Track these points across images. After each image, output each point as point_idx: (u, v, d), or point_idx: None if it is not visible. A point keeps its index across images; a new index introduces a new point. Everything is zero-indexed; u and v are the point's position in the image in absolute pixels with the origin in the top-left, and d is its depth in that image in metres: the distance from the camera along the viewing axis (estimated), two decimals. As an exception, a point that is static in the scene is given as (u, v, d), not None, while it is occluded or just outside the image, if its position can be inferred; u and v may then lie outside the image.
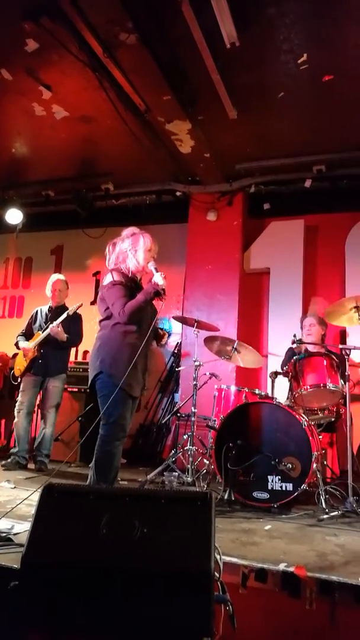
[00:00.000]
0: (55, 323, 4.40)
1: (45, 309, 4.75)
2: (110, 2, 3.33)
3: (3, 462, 4.34)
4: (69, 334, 4.50)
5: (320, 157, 5.26)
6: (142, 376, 3.04)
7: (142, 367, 3.01)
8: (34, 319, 4.74)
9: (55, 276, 4.82)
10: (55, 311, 4.64)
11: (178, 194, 6.07)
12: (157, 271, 3.02)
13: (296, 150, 5.22)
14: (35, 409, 4.68)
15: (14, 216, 6.26)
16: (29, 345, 4.53)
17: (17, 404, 4.52)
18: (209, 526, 1.54)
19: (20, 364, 4.61)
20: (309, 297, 5.57)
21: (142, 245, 3.11)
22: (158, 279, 2.96)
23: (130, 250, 3.12)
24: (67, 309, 4.58)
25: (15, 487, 3.54)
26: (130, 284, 3.06)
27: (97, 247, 6.67)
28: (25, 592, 1.51)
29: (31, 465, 4.47)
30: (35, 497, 1.70)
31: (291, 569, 1.91)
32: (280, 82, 4.23)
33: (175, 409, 4.86)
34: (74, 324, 4.58)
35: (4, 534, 2.17)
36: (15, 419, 4.49)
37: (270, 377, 3.98)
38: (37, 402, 4.70)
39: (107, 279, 3.09)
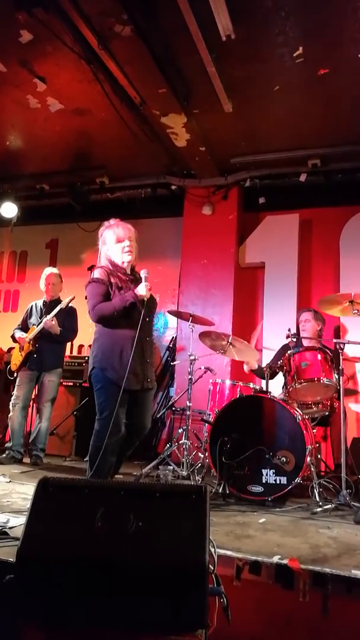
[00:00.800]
0: (49, 317, 4.39)
1: (40, 303, 4.74)
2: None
3: (-2, 457, 4.34)
4: (63, 328, 4.49)
5: (316, 151, 5.25)
6: (140, 369, 2.95)
7: (139, 360, 2.94)
8: (29, 313, 4.73)
9: (49, 270, 4.80)
10: (50, 305, 4.63)
11: (173, 187, 6.05)
12: (145, 280, 2.96)
13: (291, 144, 5.22)
14: (31, 403, 4.68)
15: (9, 210, 6.22)
16: (25, 336, 4.52)
17: (12, 398, 4.52)
18: (204, 519, 1.54)
19: (16, 359, 4.61)
20: (304, 291, 5.58)
21: (109, 240, 3.10)
22: (141, 289, 2.93)
23: (103, 248, 3.14)
24: (60, 302, 4.57)
25: (10, 481, 3.54)
26: (117, 281, 3.01)
27: (92, 241, 6.57)
28: (20, 585, 1.52)
29: (26, 460, 4.47)
30: (31, 490, 1.71)
31: (285, 562, 1.92)
32: (275, 75, 4.22)
33: (170, 403, 4.88)
34: (68, 319, 4.58)
35: (-1, 528, 2.18)
36: (10, 413, 4.49)
37: (264, 371, 3.99)
38: (33, 396, 4.70)
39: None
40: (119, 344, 2.92)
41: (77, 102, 4.73)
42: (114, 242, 3.07)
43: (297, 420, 3.34)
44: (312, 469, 3.30)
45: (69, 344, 5.15)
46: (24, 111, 4.90)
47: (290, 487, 3.22)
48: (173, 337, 6.00)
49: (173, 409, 4.80)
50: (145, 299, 2.94)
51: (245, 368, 4.38)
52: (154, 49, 3.85)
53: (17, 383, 4.56)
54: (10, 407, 4.50)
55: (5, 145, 5.58)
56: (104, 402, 2.91)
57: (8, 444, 4.44)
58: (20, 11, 3.57)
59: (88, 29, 3.63)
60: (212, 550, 1.63)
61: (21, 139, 5.49)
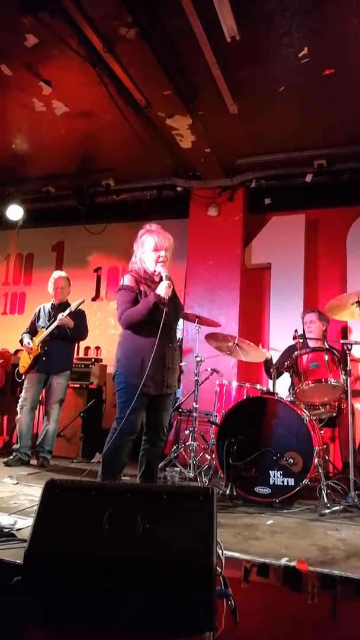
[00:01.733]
0: (64, 313, 4.40)
1: (48, 306, 4.74)
2: (109, -3, 3.32)
3: (5, 459, 4.35)
4: (74, 328, 4.51)
5: (321, 151, 5.24)
6: (159, 376, 2.94)
7: (159, 367, 2.93)
8: (37, 317, 4.74)
9: (57, 273, 4.81)
10: (58, 308, 4.63)
11: (179, 189, 6.05)
12: (166, 279, 2.94)
13: (297, 144, 5.21)
14: (38, 405, 4.69)
15: (15, 212, 6.26)
16: (32, 342, 4.53)
17: (20, 400, 4.53)
18: (211, 521, 1.54)
19: (24, 362, 4.62)
20: (311, 292, 5.56)
21: (147, 246, 3.04)
22: (161, 289, 2.91)
23: (139, 251, 3.09)
24: (69, 305, 4.58)
25: (17, 483, 3.55)
26: (145, 288, 3.01)
27: (97, 243, 6.69)
28: (28, 587, 1.52)
29: (34, 461, 4.48)
30: (38, 492, 1.71)
31: (293, 564, 1.91)
32: (280, 76, 4.21)
33: (177, 405, 4.87)
34: (77, 320, 4.59)
35: (7, 530, 2.18)
36: (18, 415, 4.50)
37: (271, 372, 3.97)
38: (41, 398, 4.71)
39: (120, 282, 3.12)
40: (141, 350, 2.92)
41: (83, 104, 4.75)
42: (151, 249, 3.03)
43: (305, 422, 3.33)
44: (320, 470, 3.28)
45: (75, 346, 5.16)
46: (30, 114, 4.92)
47: (298, 489, 3.20)
48: (179, 339, 6.00)
49: (180, 410, 4.79)
50: (166, 299, 2.89)
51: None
52: (159, 51, 3.86)
53: (25, 385, 4.57)
54: (18, 409, 4.51)
55: (11, 149, 5.61)
56: (123, 403, 2.94)
57: (16, 446, 4.45)
58: (26, 15, 3.59)
59: (93, 32, 3.65)
60: (220, 552, 1.63)
61: (27, 142, 5.52)
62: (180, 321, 5.79)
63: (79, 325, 4.59)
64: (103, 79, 4.18)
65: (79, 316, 4.60)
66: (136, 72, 4.09)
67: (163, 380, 2.97)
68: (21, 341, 4.67)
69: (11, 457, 4.38)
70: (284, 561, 1.94)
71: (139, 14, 3.51)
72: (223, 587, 1.58)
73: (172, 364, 3.03)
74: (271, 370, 3.95)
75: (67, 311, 4.44)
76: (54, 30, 3.68)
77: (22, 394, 4.54)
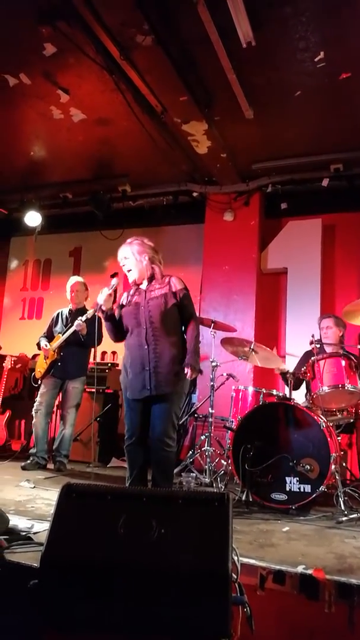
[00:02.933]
0: (82, 318, 4.41)
1: (65, 311, 4.78)
2: (125, 4, 3.35)
3: (23, 464, 4.38)
4: (88, 334, 4.52)
5: (338, 155, 5.21)
6: (137, 379, 2.97)
7: (138, 369, 2.97)
8: (54, 321, 4.77)
9: (74, 278, 4.85)
10: (76, 314, 4.66)
11: (194, 194, 6.07)
12: (110, 289, 3.12)
13: (313, 149, 5.19)
14: (55, 409, 4.73)
15: (33, 218, 6.33)
16: (49, 346, 4.57)
17: (35, 404, 4.57)
18: (226, 527, 1.53)
19: (40, 366, 4.66)
20: (327, 297, 5.52)
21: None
22: (99, 297, 3.09)
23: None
24: (87, 311, 4.61)
25: (34, 487, 3.58)
26: (129, 297, 3.19)
27: (114, 249, 6.58)
28: (44, 590, 1.53)
29: (50, 466, 4.51)
30: (55, 496, 1.72)
31: (309, 572, 1.89)
32: (296, 80, 4.21)
33: (192, 410, 4.86)
34: (92, 326, 4.58)
35: (24, 533, 2.20)
36: (34, 419, 4.53)
37: (287, 377, 3.95)
38: (57, 403, 4.74)
39: None
40: (126, 355, 3.11)
41: (100, 111, 4.79)
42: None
43: (322, 428, 3.30)
44: (337, 477, 3.24)
45: (92, 351, 5.18)
46: (48, 122, 4.99)
47: (314, 496, 3.17)
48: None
49: (195, 415, 4.79)
50: (100, 304, 3.05)
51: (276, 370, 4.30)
52: (175, 57, 3.88)
53: (40, 390, 4.61)
54: (33, 413, 4.54)
55: (29, 156, 5.69)
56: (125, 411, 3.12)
57: (32, 450, 4.48)
58: (44, 25, 3.65)
59: (110, 40, 3.69)
60: (235, 558, 1.62)
61: (45, 149, 5.59)
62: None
63: (92, 331, 4.59)
64: (120, 86, 4.22)
65: (92, 322, 4.60)
66: (152, 78, 4.12)
67: (142, 383, 2.96)
68: (38, 345, 4.71)
69: (28, 461, 4.41)
70: (300, 569, 1.92)
71: (155, 21, 3.54)
72: (239, 594, 1.57)
73: (156, 365, 2.94)
74: (288, 375, 3.92)
75: (84, 317, 4.46)
76: (71, 39, 3.73)
77: (37, 399, 4.58)
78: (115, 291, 3.12)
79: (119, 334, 3.16)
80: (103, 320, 3.17)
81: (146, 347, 2.98)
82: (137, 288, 3.15)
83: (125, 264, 3.13)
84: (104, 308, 3.06)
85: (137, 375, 2.99)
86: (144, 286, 3.14)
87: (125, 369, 3.08)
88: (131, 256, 3.12)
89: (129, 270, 3.13)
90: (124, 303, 3.15)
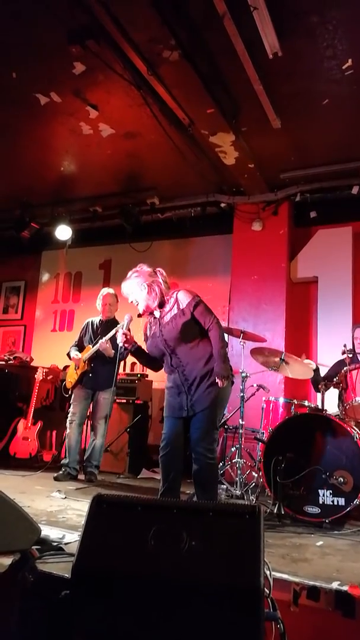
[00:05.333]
0: (104, 339, 4.46)
1: (96, 321, 4.82)
2: (152, 21, 3.40)
3: (55, 475, 4.42)
4: (116, 348, 4.55)
5: (367, 162, 5.14)
6: (175, 401, 3.03)
7: (175, 392, 3.04)
8: (85, 331, 4.83)
9: (106, 290, 4.91)
10: (105, 325, 4.71)
11: (222, 205, 6.08)
12: (122, 328, 3.24)
13: (342, 156, 5.13)
14: (86, 420, 4.76)
15: (64, 232, 6.45)
16: (80, 356, 4.61)
17: (69, 415, 4.61)
18: (258, 540, 1.51)
19: (71, 377, 4.72)
20: (359, 306, 5.42)
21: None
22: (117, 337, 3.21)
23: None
24: (117, 322, 4.65)
25: (66, 497, 3.61)
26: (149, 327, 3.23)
27: (143, 261, 6.73)
28: (75, 601, 1.53)
29: (81, 476, 4.54)
30: (86, 507, 1.73)
31: (345, 588, 1.84)
32: (324, 88, 4.19)
33: (222, 421, 4.82)
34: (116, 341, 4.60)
35: (55, 544, 2.21)
36: (67, 430, 4.57)
37: (320, 387, 3.88)
38: (88, 413, 4.78)
39: None
40: (167, 378, 3.16)
41: (128, 126, 4.87)
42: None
43: (355, 439, 3.22)
44: (372, 490, 3.16)
45: (122, 363, 5.22)
46: (77, 137, 5.10)
47: (348, 509, 3.09)
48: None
49: (225, 427, 4.74)
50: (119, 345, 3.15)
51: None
52: (201, 70, 3.92)
53: (72, 400, 4.65)
54: (67, 424, 4.58)
55: (60, 171, 5.82)
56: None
57: (64, 461, 4.52)
58: (74, 45, 3.74)
59: (137, 57, 3.75)
60: (268, 572, 1.59)
61: (75, 164, 5.71)
62: (224, 336, 5.76)
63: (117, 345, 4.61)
64: (147, 101, 4.29)
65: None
66: (179, 92, 4.17)
67: (180, 405, 3.02)
68: (69, 355, 4.77)
69: (61, 472, 4.45)
70: (335, 585, 1.87)
71: (181, 35, 3.59)
72: (271, 610, 1.54)
73: (190, 387, 2.98)
74: (320, 385, 3.85)
75: (108, 336, 4.47)
76: (100, 57, 3.81)
77: (71, 409, 4.63)
78: (129, 329, 3.19)
79: (153, 364, 3.23)
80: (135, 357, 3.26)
81: (177, 373, 3.03)
82: (153, 317, 3.17)
83: (131, 300, 3.17)
84: (127, 346, 3.13)
85: (175, 398, 3.05)
86: (157, 314, 3.13)
87: (166, 391, 3.14)
88: (131, 291, 3.14)
89: (137, 304, 3.16)
90: (148, 334, 3.18)
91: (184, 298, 3.05)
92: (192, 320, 3.00)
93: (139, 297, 3.10)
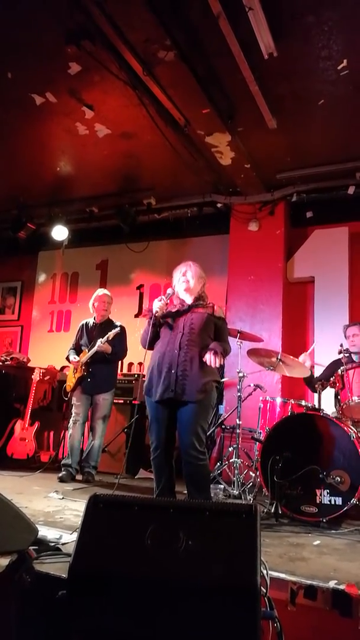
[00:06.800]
0: (103, 340, 4.46)
1: (90, 322, 4.81)
2: (148, 21, 3.41)
3: (60, 475, 4.40)
4: (113, 347, 4.55)
5: (363, 163, 5.16)
6: (163, 378, 2.98)
7: (164, 370, 3.00)
8: (80, 334, 4.82)
9: (101, 291, 4.89)
10: (100, 327, 4.70)
11: (219, 205, 6.08)
12: (164, 295, 3.26)
13: (338, 157, 5.14)
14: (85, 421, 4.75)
15: (60, 233, 6.45)
16: (79, 359, 4.60)
17: (72, 415, 4.59)
18: (255, 539, 1.51)
19: (70, 380, 4.71)
20: (356, 306, 5.43)
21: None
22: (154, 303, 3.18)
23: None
24: (112, 323, 4.65)
25: (63, 498, 3.60)
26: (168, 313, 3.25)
27: (140, 261, 6.80)
28: (72, 601, 1.53)
29: (79, 477, 4.53)
30: (83, 507, 1.73)
31: (342, 587, 1.85)
32: (319, 89, 4.20)
33: (219, 421, 4.83)
34: (118, 339, 4.61)
35: (52, 544, 2.21)
36: (70, 431, 4.55)
37: (317, 387, 3.89)
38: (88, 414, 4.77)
39: None
40: (153, 360, 3.14)
41: (124, 126, 4.87)
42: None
43: (352, 439, 3.23)
44: (369, 489, 3.16)
45: (119, 363, 5.21)
46: (73, 138, 5.10)
47: (346, 508, 3.10)
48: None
49: (223, 426, 4.75)
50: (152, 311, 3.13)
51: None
52: (197, 71, 3.92)
53: (74, 401, 4.63)
54: (71, 424, 4.56)
55: (56, 171, 5.82)
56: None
57: (67, 461, 4.49)
58: (70, 45, 3.74)
59: (133, 57, 3.76)
60: (264, 571, 1.59)
61: (71, 165, 5.71)
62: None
63: (118, 345, 4.62)
64: (143, 101, 4.29)
65: (119, 339, 4.62)
66: (175, 92, 4.17)
67: (167, 384, 2.96)
68: (67, 358, 4.76)
69: (64, 472, 4.41)
70: (332, 584, 1.88)
71: (177, 36, 3.59)
72: (268, 609, 1.54)
73: (184, 369, 2.96)
74: (316, 385, 3.86)
75: (105, 338, 4.48)
76: (95, 57, 3.82)
77: (74, 410, 4.61)
78: (166, 303, 3.21)
79: (154, 341, 3.20)
80: (148, 326, 3.16)
81: (177, 350, 3.01)
82: (182, 302, 3.24)
83: (186, 276, 3.24)
84: (158, 314, 3.13)
85: (162, 376, 3.00)
86: (189, 301, 3.22)
87: (150, 372, 3.10)
88: (197, 274, 3.26)
89: (186, 282, 3.22)
90: (168, 311, 3.21)
91: (220, 311, 3.25)
92: (213, 327, 3.15)
93: (194, 279, 3.24)
